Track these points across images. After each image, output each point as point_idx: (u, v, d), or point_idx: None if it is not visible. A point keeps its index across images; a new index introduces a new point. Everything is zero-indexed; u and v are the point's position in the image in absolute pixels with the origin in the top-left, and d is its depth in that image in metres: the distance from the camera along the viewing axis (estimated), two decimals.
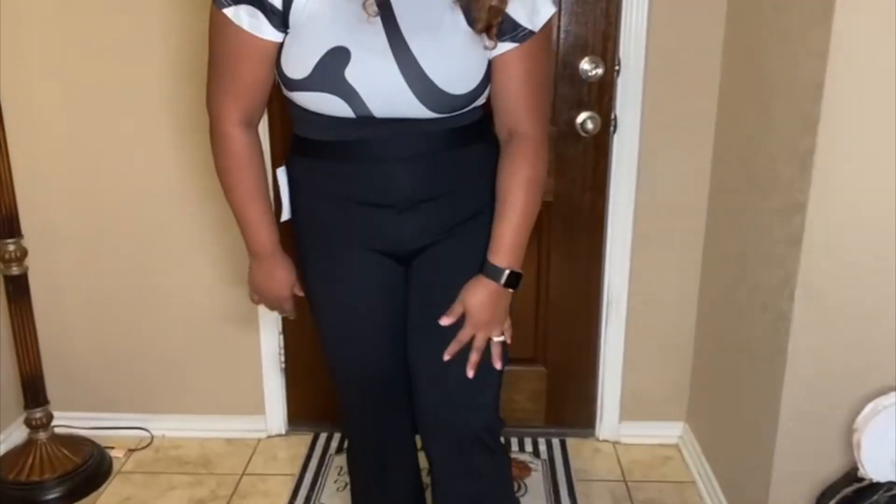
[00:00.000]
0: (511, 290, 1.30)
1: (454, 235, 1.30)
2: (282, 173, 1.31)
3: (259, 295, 1.41)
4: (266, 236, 1.30)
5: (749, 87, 1.82)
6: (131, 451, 2.32)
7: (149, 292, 2.29)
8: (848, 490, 1.32)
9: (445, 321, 1.26)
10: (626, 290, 2.22)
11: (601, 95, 2.10)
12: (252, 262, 1.36)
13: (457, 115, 1.21)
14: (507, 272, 1.27)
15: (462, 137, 1.25)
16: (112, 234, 2.23)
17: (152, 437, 2.38)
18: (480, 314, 1.26)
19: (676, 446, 2.32)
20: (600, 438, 2.36)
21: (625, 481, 2.16)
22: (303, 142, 1.27)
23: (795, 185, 1.53)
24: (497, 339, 1.30)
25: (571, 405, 2.39)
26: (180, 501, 2.08)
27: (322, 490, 2.12)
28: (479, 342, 1.28)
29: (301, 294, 1.39)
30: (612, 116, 2.10)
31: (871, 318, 1.45)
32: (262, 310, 2.27)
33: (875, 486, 1.31)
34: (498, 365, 1.30)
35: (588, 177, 2.18)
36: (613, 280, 2.22)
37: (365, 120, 1.17)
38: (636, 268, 2.20)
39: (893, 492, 1.28)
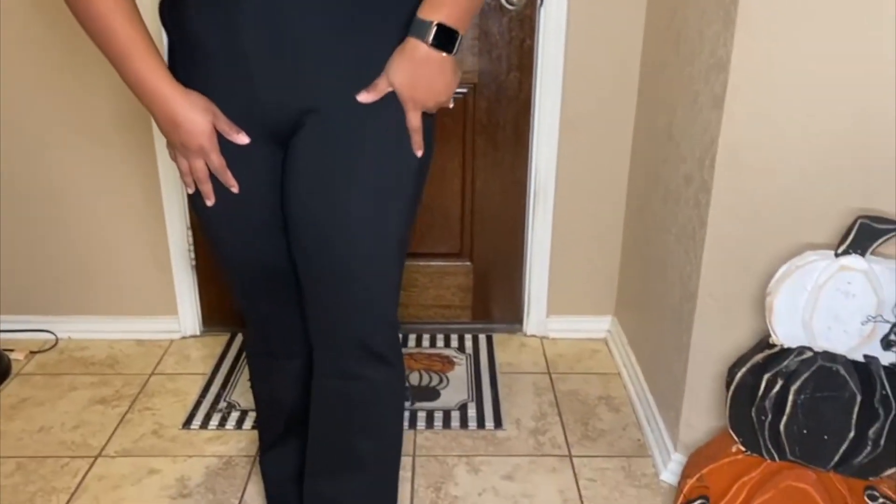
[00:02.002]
0: (446, 55, 1.04)
1: (337, 104, 1.08)
2: (163, 29, 1.12)
3: (177, 150, 1.13)
4: (158, 58, 1.05)
5: None
6: (33, 353, 2.19)
7: (50, 188, 2.12)
8: (758, 357, 1.26)
9: (364, 97, 1.05)
10: (553, 179, 2.12)
11: None
12: (150, 108, 1.08)
13: None
14: (435, 26, 1.02)
15: None
16: (11, 128, 2.04)
17: (57, 340, 2.25)
18: (412, 90, 1.05)
19: (604, 340, 2.27)
20: (527, 334, 2.29)
21: (549, 373, 2.10)
22: None
23: (720, 40, 1.42)
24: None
25: (498, 300, 2.31)
26: (81, 401, 1.97)
27: (234, 388, 2.03)
28: (413, 121, 1.08)
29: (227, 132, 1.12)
30: None
31: (788, 180, 1.36)
32: (168, 201, 2.13)
33: (786, 352, 1.24)
34: (419, 153, 1.11)
35: (514, 55, 2.04)
36: (541, 168, 2.11)
37: None
38: (564, 153, 2.09)
39: (804, 356, 1.22)
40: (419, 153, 1.12)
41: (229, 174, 1.12)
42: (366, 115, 1.08)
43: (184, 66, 1.11)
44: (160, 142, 2.06)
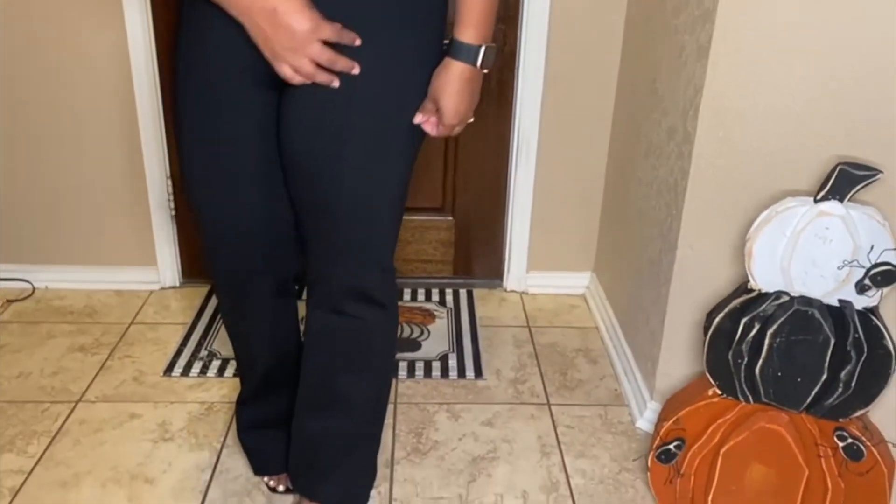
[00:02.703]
0: (486, 71, 1.10)
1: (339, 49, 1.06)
2: None
3: (279, 58, 1.05)
4: None
5: None
6: (10, 301, 2.17)
7: (26, 134, 2.08)
8: (736, 302, 1.29)
9: (419, 119, 1.09)
10: (536, 133, 2.12)
11: None
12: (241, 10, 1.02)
13: None
14: (483, 49, 1.07)
15: None
16: None
17: (34, 289, 2.22)
18: (458, 106, 1.08)
19: (583, 296, 2.30)
20: (508, 289, 2.31)
21: (528, 327, 2.13)
22: None
23: None
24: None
25: (479, 256, 2.32)
26: (60, 349, 1.96)
27: (215, 336, 2.03)
28: (455, 132, 1.14)
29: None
30: None
31: (770, 129, 1.38)
32: (148, 150, 2.11)
33: (763, 297, 1.27)
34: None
35: (500, 7, 2.02)
36: (524, 122, 2.11)
37: None
38: (548, 108, 2.09)
39: (781, 300, 1.25)
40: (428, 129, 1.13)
41: (344, 59, 1.05)
42: (381, 61, 1.07)
43: (185, 21, 1.10)
44: (140, 87, 2.03)
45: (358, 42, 1.04)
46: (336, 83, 1.06)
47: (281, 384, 1.43)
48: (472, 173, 2.22)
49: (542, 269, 2.30)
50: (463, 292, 2.29)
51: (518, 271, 2.30)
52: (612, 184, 2.13)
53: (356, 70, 1.05)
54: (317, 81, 1.06)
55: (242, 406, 1.51)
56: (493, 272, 2.33)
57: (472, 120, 1.16)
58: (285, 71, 1.05)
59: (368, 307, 1.22)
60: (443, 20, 1.14)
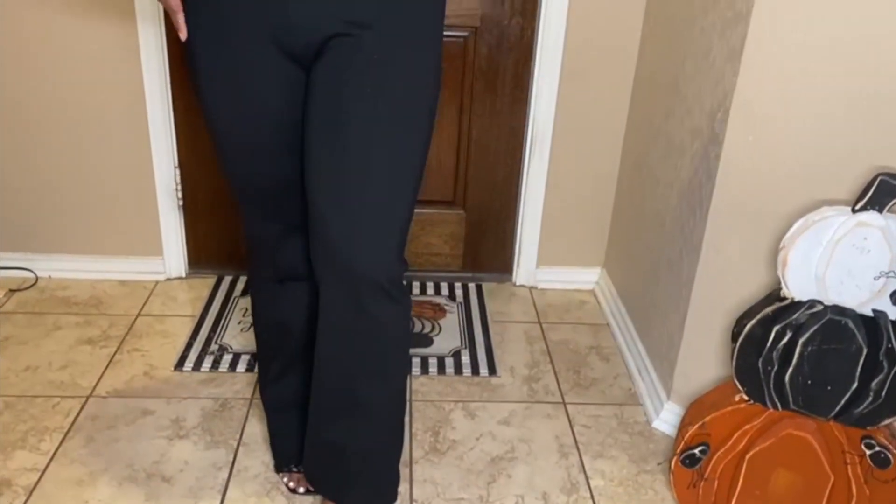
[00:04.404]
0: None
1: (364, 30, 1.09)
2: None
3: None
4: None
5: None
6: (13, 291, 2.12)
7: (32, 122, 2.03)
8: (769, 309, 1.29)
9: None
10: (551, 127, 2.10)
11: None
12: None
13: None
14: None
15: None
16: None
17: (37, 278, 2.18)
18: None
19: (592, 292, 2.30)
20: (517, 283, 2.30)
21: (539, 323, 2.13)
22: None
23: None
24: None
25: (489, 250, 2.31)
26: (67, 340, 1.93)
27: (224, 331, 2.00)
28: None
29: None
30: None
31: (804, 135, 1.37)
32: (155, 139, 2.07)
33: (796, 305, 1.27)
34: None
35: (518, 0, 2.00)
36: (539, 116, 2.09)
37: None
38: (564, 102, 2.08)
39: (814, 310, 1.25)
40: None
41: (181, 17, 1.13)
42: (405, 37, 1.10)
43: None
44: (149, 74, 1.99)
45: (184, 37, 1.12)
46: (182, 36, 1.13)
47: (307, 361, 1.39)
48: (485, 167, 2.20)
49: (552, 265, 2.29)
50: (472, 286, 2.28)
51: (528, 266, 2.29)
52: (625, 180, 2.12)
53: None
54: None
55: (272, 386, 1.49)
56: (503, 267, 2.32)
57: None
58: None
59: (384, 302, 1.19)
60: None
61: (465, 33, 2.02)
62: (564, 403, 1.80)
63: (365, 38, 1.09)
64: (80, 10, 1.91)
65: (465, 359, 1.94)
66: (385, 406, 1.31)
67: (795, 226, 1.25)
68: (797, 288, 1.27)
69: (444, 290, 2.26)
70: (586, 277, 2.31)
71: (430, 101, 1.17)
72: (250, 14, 1.08)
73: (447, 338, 2.03)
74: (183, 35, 1.13)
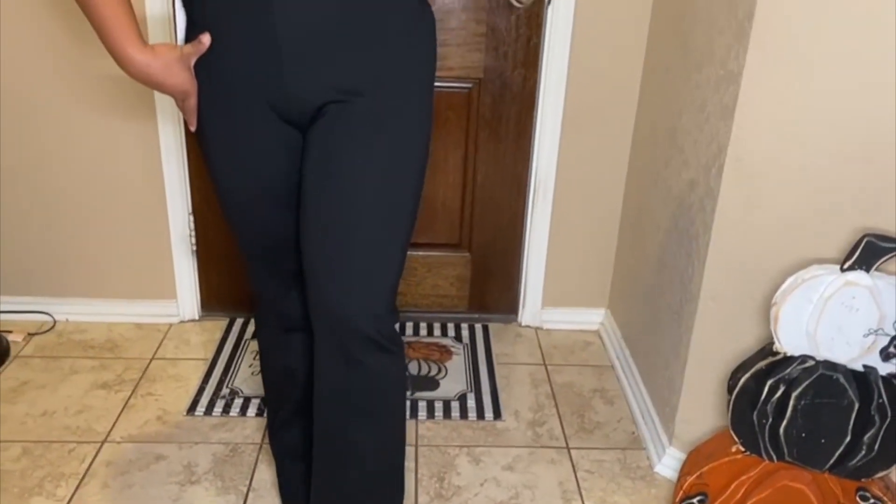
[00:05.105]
0: None
1: (357, 97, 1.15)
2: (180, 9, 1.15)
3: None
4: (135, 28, 1.10)
5: None
6: (31, 335, 2.19)
7: (49, 170, 2.10)
8: (762, 364, 1.32)
9: None
10: (553, 173, 2.15)
11: None
12: (130, 68, 1.12)
13: None
14: None
15: None
16: (10, 110, 2.02)
17: (55, 322, 2.24)
18: None
19: (597, 332, 2.33)
20: (523, 324, 2.34)
21: (545, 365, 2.16)
22: None
23: (731, 53, 1.46)
24: None
25: (495, 291, 2.35)
26: (84, 385, 1.98)
27: (236, 374, 2.05)
28: None
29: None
30: None
31: (795, 193, 1.41)
32: (170, 187, 2.13)
33: (789, 360, 1.30)
34: None
35: (520, 52, 2.06)
36: (542, 162, 2.14)
37: None
38: (566, 150, 2.13)
39: (806, 364, 1.28)
40: None
41: (195, 118, 1.20)
42: (395, 102, 1.16)
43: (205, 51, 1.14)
44: (163, 126, 2.06)
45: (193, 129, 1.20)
46: (192, 128, 1.21)
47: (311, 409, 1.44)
48: (490, 211, 2.25)
49: (557, 305, 2.33)
50: (479, 327, 2.32)
51: (533, 307, 2.33)
52: (627, 226, 2.16)
53: None
54: None
55: (279, 434, 1.53)
56: (509, 307, 2.36)
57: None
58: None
59: (377, 354, 1.23)
60: (436, 53, 1.23)
61: (469, 84, 2.08)
62: (568, 448, 1.83)
63: (357, 103, 1.15)
64: (94, 57, 1.98)
65: (471, 402, 1.97)
66: (379, 452, 1.35)
67: (786, 283, 1.29)
68: (789, 343, 1.30)
69: (451, 332, 2.30)
70: (591, 318, 2.34)
71: (419, 155, 1.22)
72: (250, 84, 1.14)
73: (453, 381, 2.06)
74: (193, 125, 1.20)
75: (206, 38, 1.12)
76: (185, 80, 1.14)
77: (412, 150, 1.21)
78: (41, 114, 2.04)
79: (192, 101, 1.17)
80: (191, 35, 1.15)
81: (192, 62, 1.15)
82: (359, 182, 1.17)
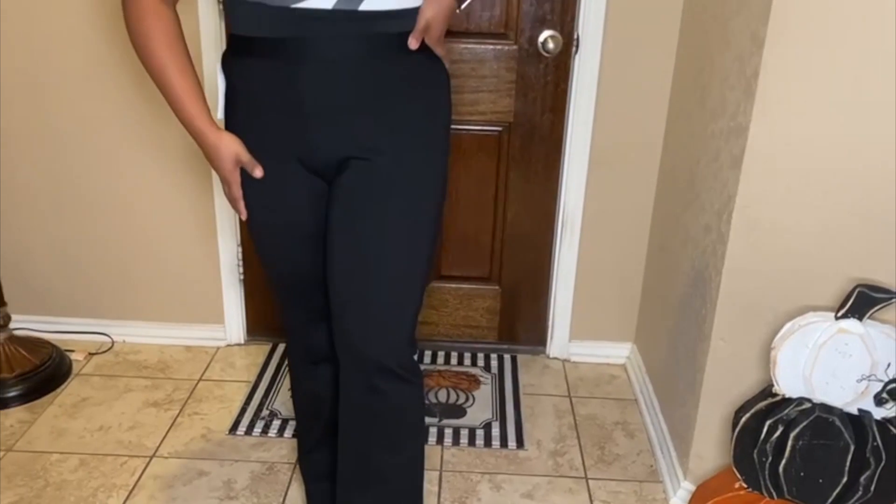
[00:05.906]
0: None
1: (377, 156, 1.28)
2: (220, 71, 1.30)
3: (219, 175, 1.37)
4: (202, 105, 1.27)
5: (709, 6, 1.80)
6: (91, 354, 2.36)
7: (108, 200, 2.29)
8: (762, 404, 1.38)
9: (413, 43, 1.26)
10: (580, 212, 2.24)
11: (563, 14, 2.07)
12: (194, 138, 1.30)
13: (394, 11, 1.20)
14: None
15: (396, 45, 1.24)
16: (71, 137, 2.22)
17: (112, 342, 2.42)
18: (437, 28, 1.28)
19: (623, 366, 2.40)
20: (550, 356, 2.42)
21: (569, 397, 2.24)
22: (235, 39, 1.26)
23: (740, 107, 1.54)
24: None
25: (524, 323, 2.44)
26: (136, 403, 2.14)
27: (276, 397, 2.18)
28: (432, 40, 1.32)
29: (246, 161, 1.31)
30: (575, 36, 2.08)
31: (798, 241, 1.48)
32: (221, 220, 2.29)
33: (787, 401, 1.36)
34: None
35: (548, 98, 2.17)
36: (569, 202, 2.24)
37: (293, 14, 1.16)
38: (592, 190, 2.22)
39: (803, 407, 1.34)
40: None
41: (241, 204, 1.33)
42: (412, 156, 1.29)
43: (241, 110, 1.30)
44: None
45: (259, 174, 1.30)
46: (243, 217, 1.36)
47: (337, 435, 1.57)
48: (520, 247, 2.35)
49: (584, 338, 2.40)
50: (507, 358, 2.41)
51: (561, 339, 2.41)
52: (652, 264, 2.23)
53: None
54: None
55: (307, 456, 1.65)
56: (537, 339, 2.45)
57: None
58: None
59: (397, 384, 1.36)
60: (450, 99, 1.36)
61: (500, 128, 2.20)
62: (587, 479, 1.90)
63: (378, 161, 1.28)
64: (159, 113, 2.16)
65: (496, 431, 2.06)
66: (399, 475, 1.46)
67: (784, 328, 1.36)
68: (787, 386, 1.36)
69: (480, 361, 2.40)
70: (618, 352, 2.41)
71: (437, 200, 1.35)
72: (280, 140, 1.28)
73: (480, 409, 2.16)
74: (243, 216, 1.35)
75: (258, 172, 1.29)
76: (231, 171, 1.31)
77: (430, 195, 1.33)
78: (113, 157, 2.23)
79: (235, 190, 1.32)
80: (230, 98, 1.29)
81: (238, 153, 1.29)
82: (379, 229, 1.29)
